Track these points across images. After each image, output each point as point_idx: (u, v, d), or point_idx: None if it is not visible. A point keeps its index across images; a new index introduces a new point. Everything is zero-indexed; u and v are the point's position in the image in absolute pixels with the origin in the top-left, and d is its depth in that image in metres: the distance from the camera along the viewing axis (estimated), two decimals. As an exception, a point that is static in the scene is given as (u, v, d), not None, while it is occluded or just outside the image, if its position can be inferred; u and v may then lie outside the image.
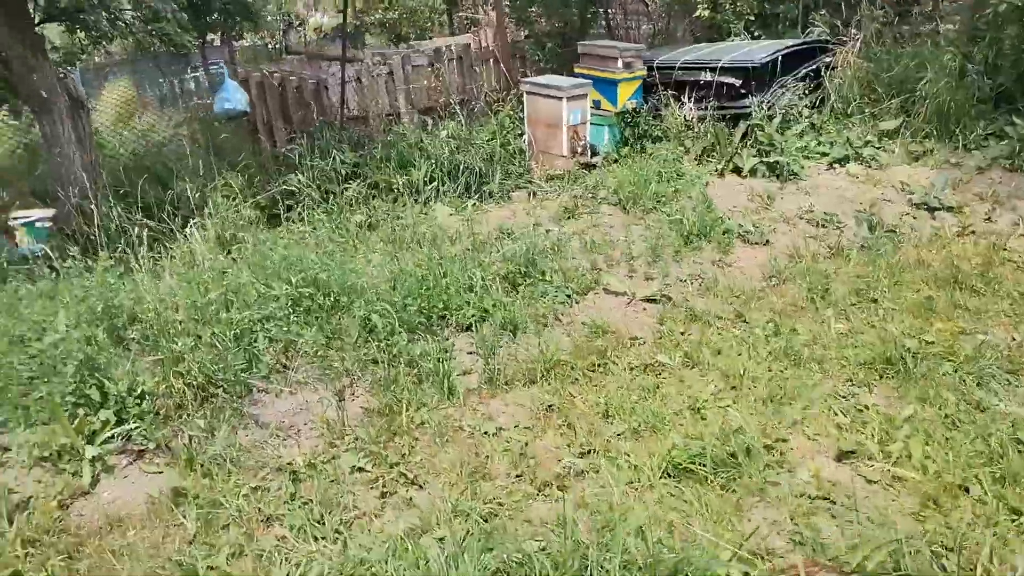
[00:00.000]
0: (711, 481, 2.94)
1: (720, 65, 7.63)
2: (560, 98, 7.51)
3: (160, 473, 3.34)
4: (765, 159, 7.16)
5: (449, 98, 8.79)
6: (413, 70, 9.22)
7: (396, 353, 4.12)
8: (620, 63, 7.91)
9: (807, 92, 7.81)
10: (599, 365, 3.99)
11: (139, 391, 3.59)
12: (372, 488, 3.14)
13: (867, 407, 3.46)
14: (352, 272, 4.60)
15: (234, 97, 6.82)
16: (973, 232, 5.55)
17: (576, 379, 3.88)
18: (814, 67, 7.97)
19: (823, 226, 6.05)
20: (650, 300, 4.88)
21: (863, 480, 2.98)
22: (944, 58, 7.50)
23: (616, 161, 7.95)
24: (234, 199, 5.80)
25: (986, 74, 7.50)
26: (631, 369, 3.93)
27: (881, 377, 3.72)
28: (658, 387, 3.70)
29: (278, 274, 4.42)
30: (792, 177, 7.00)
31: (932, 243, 5.40)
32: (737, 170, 7.31)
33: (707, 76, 7.76)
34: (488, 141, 7.81)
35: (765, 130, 7.25)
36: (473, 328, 4.52)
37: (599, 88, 8.08)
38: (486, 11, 12.46)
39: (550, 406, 3.64)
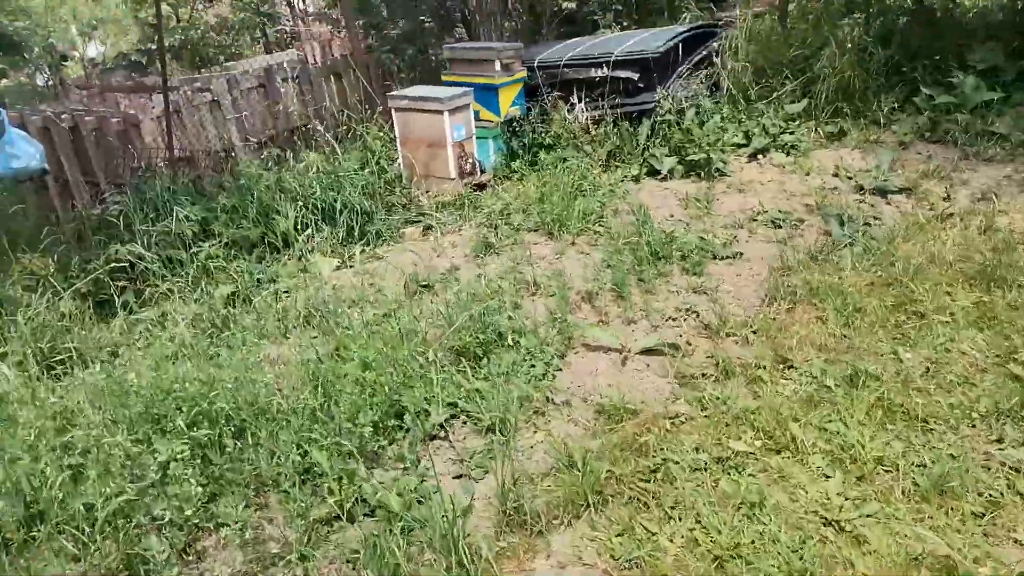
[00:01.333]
0: None
1: (614, 58, 6.75)
2: (441, 112, 6.31)
3: None
4: (684, 157, 6.35)
5: (299, 124, 7.30)
6: (242, 95, 7.62)
7: (360, 501, 2.77)
8: (498, 65, 6.82)
9: (704, 81, 7.10)
10: (655, 470, 2.86)
11: None
12: None
13: (1050, 481, 2.59)
14: (261, 387, 3.16)
15: (24, 151, 4.99)
16: (951, 215, 4.97)
17: (637, 499, 2.73)
18: (705, 53, 7.30)
19: (779, 226, 5.29)
20: (652, 352, 3.82)
21: None
22: (842, 32, 7.05)
23: (508, 178, 6.88)
24: (44, 293, 4.09)
25: (880, 46, 7.14)
26: (703, 469, 2.83)
27: (1027, 428, 2.88)
28: (762, 498, 2.62)
29: (150, 413, 2.90)
30: (717, 175, 6.23)
31: (920, 233, 4.75)
32: (653, 172, 6.46)
33: (599, 72, 6.85)
34: (359, 170, 6.44)
35: (682, 125, 6.44)
36: (447, 433, 3.25)
37: (477, 96, 6.95)
38: (307, 23, 10.97)
39: (631, 560, 2.46)
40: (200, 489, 2.62)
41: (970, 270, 4.11)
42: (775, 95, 7.07)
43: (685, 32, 7.03)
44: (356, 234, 5.83)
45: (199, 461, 2.80)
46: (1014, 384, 3.04)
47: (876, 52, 7.06)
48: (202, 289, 4.77)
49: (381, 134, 6.76)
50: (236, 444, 2.89)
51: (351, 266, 5.48)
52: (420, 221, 6.08)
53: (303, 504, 2.71)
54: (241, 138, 7.58)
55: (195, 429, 2.83)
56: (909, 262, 4.26)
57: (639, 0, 8.73)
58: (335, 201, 5.87)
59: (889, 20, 7.45)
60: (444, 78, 7.23)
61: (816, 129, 6.78)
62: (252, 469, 2.88)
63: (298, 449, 2.88)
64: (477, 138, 6.99)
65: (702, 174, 6.26)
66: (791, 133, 6.63)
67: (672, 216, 5.67)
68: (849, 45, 6.96)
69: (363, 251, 5.64)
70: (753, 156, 6.47)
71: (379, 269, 5.25)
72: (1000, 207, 5.05)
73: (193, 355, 3.57)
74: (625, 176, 6.47)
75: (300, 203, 5.78)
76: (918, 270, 4.18)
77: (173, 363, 3.31)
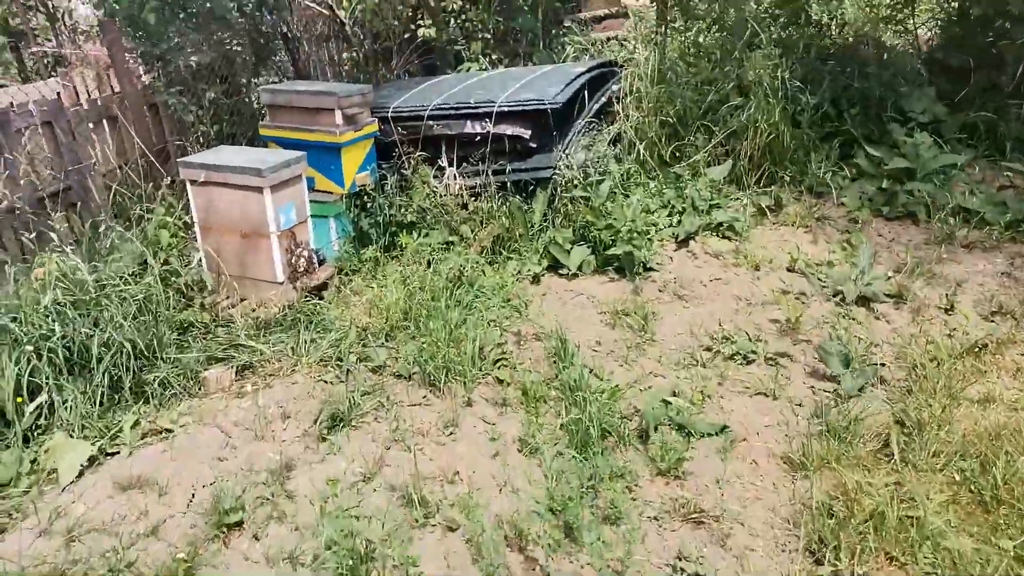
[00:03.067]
0: None
1: (497, 109, 5.04)
2: (260, 189, 4.34)
3: None
4: (600, 249, 4.75)
5: (52, 192, 4.99)
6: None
7: None
8: (339, 116, 4.95)
9: (605, 137, 5.56)
10: None
11: None
12: None
13: None
14: None
15: None
16: (985, 346, 3.66)
17: None
18: (605, 100, 5.77)
19: (750, 360, 3.80)
20: None
21: None
22: (765, 76, 5.74)
23: (356, 271, 5.00)
24: None
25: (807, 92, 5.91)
26: None
27: None
28: None
29: None
30: (643, 270, 4.69)
31: (960, 380, 3.39)
32: (556, 264, 4.82)
33: (477, 126, 5.13)
34: (135, 277, 4.30)
35: (591, 201, 4.83)
36: None
37: (311, 159, 5.04)
38: (77, 44, 8.47)
39: None
40: None
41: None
42: (690, 156, 5.64)
43: (587, 73, 5.46)
44: (127, 390, 3.74)
45: None
46: None
47: (804, 99, 5.82)
48: None
49: (169, 219, 4.63)
50: None
51: (115, 453, 3.42)
52: (232, 358, 4.06)
53: None
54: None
55: None
56: (990, 449, 2.84)
57: (507, 27, 7.08)
58: (90, 339, 3.75)
59: (812, 61, 6.25)
60: (262, 131, 5.25)
61: (750, 200, 5.41)
62: None
63: None
64: (313, 217, 5.07)
65: (624, 271, 4.70)
66: (721, 207, 5.21)
67: (600, 344, 4.05)
68: (775, 90, 5.65)
69: (137, 423, 3.58)
70: (683, 242, 4.99)
71: (160, 466, 3.24)
72: (1033, 329, 3.81)
73: None
74: (520, 272, 4.78)
75: (29, 348, 3.61)
76: (1009, 467, 2.76)
77: None
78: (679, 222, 5.02)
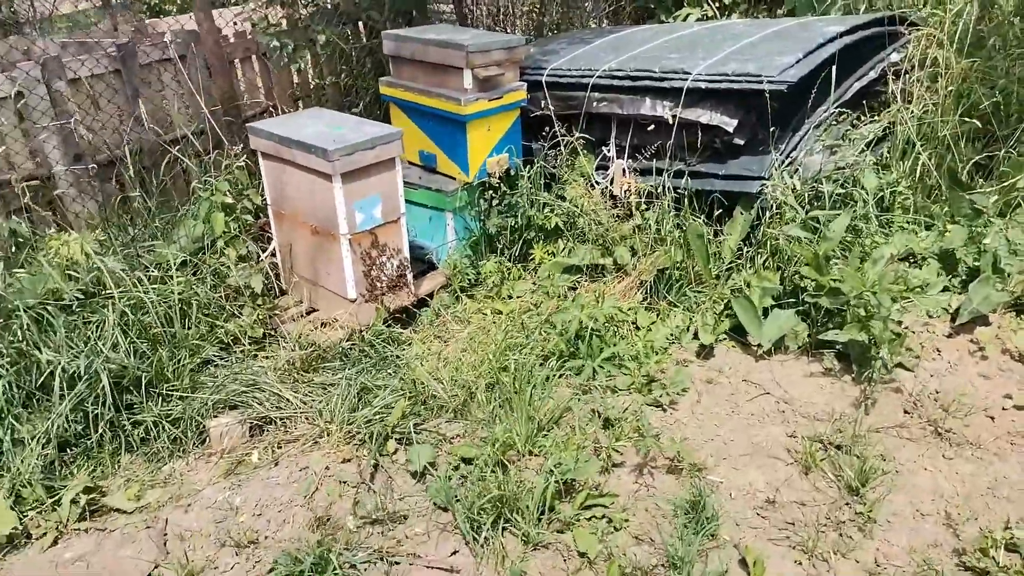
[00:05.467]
0: None
1: (689, 83, 3.36)
2: (328, 176, 3.12)
3: None
4: (815, 325, 3.00)
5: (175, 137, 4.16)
6: (70, 86, 4.56)
7: None
8: (468, 78, 3.56)
9: (872, 137, 3.62)
10: None
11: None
12: None
13: None
14: None
15: None
16: None
17: None
18: (875, 76, 3.81)
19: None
20: None
21: None
22: None
23: (472, 286, 3.69)
24: None
25: None
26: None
27: None
28: None
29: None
30: (886, 369, 2.86)
31: None
32: (738, 332, 3.13)
33: (660, 107, 3.50)
34: (184, 267, 3.30)
35: (816, 244, 3.05)
36: None
37: (430, 131, 3.77)
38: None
39: None
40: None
41: None
42: (1004, 176, 3.56)
43: (847, 34, 3.57)
44: (95, 438, 2.79)
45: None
46: None
47: None
48: None
49: (227, 197, 3.54)
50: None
51: (44, 535, 2.47)
52: (247, 405, 2.95)
53: None
54: (68, 156, 4.52)
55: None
56: None
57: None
58: (75, 362, 2.82)
59: None
60: (382, 90, 4.04)
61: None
62: None
63: None
64: (423, 207, 3.83)
65: (852, 363, 2.92)
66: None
67: (772, 504, 2.39)
68: None
69: (80, 495, 2.59)
70: (965, 325, 3.05)
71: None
72: None
73: None
74: (681, 332, 3.18)
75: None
76: None
77: None
78: (962, 288, 3.09)
